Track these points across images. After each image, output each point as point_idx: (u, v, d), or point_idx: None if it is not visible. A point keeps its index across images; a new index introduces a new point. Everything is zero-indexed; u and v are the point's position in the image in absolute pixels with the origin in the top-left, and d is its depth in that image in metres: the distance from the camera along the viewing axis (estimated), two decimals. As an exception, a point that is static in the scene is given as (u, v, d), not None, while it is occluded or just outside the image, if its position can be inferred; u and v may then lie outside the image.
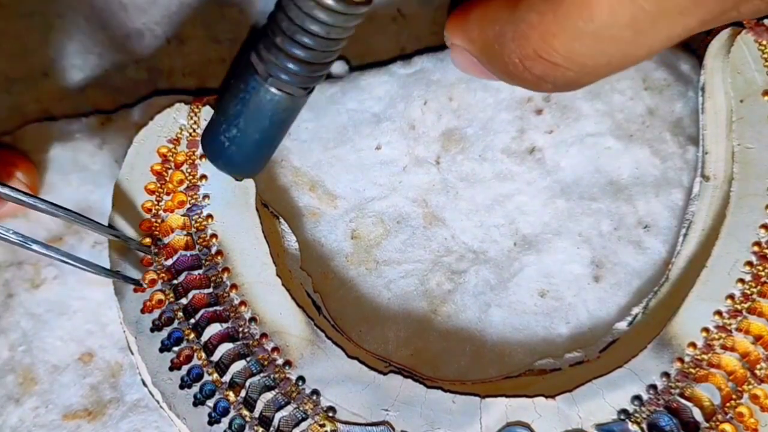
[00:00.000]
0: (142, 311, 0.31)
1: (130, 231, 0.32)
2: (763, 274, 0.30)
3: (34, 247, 0.28)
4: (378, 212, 0.34)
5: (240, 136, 0.27)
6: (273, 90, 0.26)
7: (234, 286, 0.31)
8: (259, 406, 0.31)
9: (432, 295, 0.34)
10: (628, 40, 0.23)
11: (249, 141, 0.27)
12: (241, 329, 0.31)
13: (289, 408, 0.31)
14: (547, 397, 0.30)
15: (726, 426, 0.30)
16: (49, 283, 0.34)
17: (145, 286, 0.31)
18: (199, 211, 0.32)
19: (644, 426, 0.30)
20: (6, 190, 0.27)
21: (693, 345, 0.30)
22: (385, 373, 0.31)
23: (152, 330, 0.31)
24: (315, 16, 0.25)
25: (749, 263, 0.31)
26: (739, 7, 0.24)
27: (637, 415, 0.30)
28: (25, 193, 0.27)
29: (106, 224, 0.32)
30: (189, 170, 0.32)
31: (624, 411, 0.30)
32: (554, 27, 0.24)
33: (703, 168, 0.33)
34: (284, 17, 0.25)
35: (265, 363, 0.31)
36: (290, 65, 0.26)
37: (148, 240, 0.32)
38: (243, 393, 0.31)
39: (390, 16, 0.35)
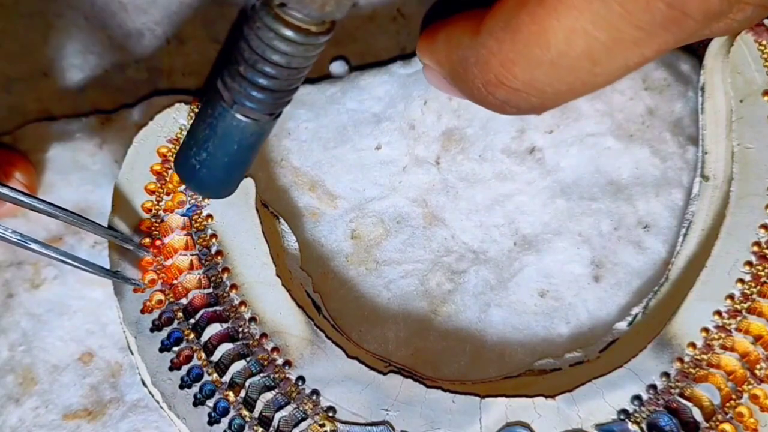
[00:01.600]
0: (142, 311, 0.31)
1: (130, 231, 0.32)
2: (762, 274, 0.30)
3: (33, 246, 0.28)
4: (378, 212, 0.34)
5: (209, 159, 0.27)
6: (239, 116, 0.26)
7: (234, 286, 0.31)
8: (259, 406, 0.31)
9: (432, 295, 0.34)
10: (586, 69, 0.24)
11: (219, 164, 0.27)
12: (241, 329, 0.31)
13: (289, 408, 0.31)
14: (547, 397, 0.30)
15: (726, 426, 0.30)
16: (49, 283, 0.34)
17: (144, 286, 0.31)
18: (198, 211, 0.32)
19: (644, 426, 0.30)
20: (5, 190, 0.27)
21: (693, 345, 0.30)
22: (385, 373, 0.31)
23: (152, 330, 0.31)
24: (275, 46, 0.25)
25: (749, 263, 0.31)
26: (703, 30, 0.24)
27: (636, 415, 0.30)
28: (24, 193, 0.27)
29: (106, 224, 0.32)
30: (189, 170, 0.32)
31: (624, 411, 0.30)
32: (512, 54, 0.24)
33: (703, 168, 0.33)
34: (246, 47, 0.25)
35: (265, 363, 0.31)
36: (254, 93, 0.26)
37: (147, 240, 0.32)
38: (243, 393, 0.31)
39: (390, 16, 0.35)
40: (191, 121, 0.28)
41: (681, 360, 0.30)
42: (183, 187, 0.32)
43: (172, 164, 0.32)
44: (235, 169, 0.28)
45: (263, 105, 0.26)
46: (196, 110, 0.32)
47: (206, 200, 0.32)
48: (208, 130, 0.27)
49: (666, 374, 0.30)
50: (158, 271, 0.32)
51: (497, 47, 0.24)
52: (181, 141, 0.32)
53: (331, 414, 0.30)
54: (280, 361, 0.31)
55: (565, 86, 0.24)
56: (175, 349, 0.31)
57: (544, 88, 0.24)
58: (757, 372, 0.30)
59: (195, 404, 0.31)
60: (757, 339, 0.30)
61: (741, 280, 0.30)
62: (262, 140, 0.28)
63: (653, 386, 0.30)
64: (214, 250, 0.32)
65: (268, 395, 0.31)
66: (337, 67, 0.35)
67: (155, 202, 0.32)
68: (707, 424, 0.30)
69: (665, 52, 0.24)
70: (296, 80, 0.26)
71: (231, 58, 0.26)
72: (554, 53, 0.23)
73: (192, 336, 0.31)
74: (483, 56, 0.25)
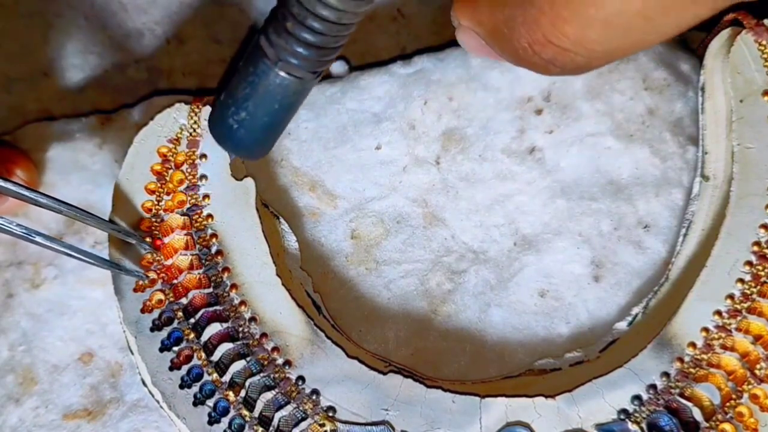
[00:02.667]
0: (142, 311, 0.31)
1: (130, 230, 0.32)
2: (762, 274, 0.30)
3: (38, 239, 0.28)
4: (378, 212, 0.34)
5: (248, 119, 0.27)
6: (282, 74, 0.26)
7: (234, 285, 0.31)
8: (259, 405, 0.31)
9: (432, 295, 0.34)
10: (639, 27, 0.23)
11: (258, 124, 0.27)
12: (241, 329, 0.31)
13: (289, 408, 0.31)
14: (547, 397, 0.30)
15: (726, 426, 0.30)
16: (49, 283, 0.34)
17: (145, 278, 0.31)
18: (199, 211, 0.32)
19: (644, 426, 0.30)
20: (8, 185, 0.27)
21: (693, 345, 0.30)
22: (384, 373, 0.31)
23: (152, 330, 0.31)
24: (326, 1, 0.24)
25: (749, 263, 0.31)
26: None
27: (637, 414, 0.30)
28: (27, 188, 0.27)
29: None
30: (189, 170, 0.32)
31: (624, 411, 0.30)
32: (565, 13, 0.24)
33: (703, 168, 0.33)
34: (295, 2, 0.25)
35: (265, 363, 0.31)
36: (300, 50, 0.25)
37: (148, 240, 0.32)
38: (243, 393, 0.31)
39: (390, 16, 0.35)
40: (228, 83, 0.27)
41: (681, 360, 0.30)
42: (183, 186, 0.32)
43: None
44: (274, 130, 0.28)
45: (308, 62, 0.26)
46: (197, 110, 0.32)
47: (206, 200, 0.32)
48: (249, 89, 0.26)
49: (666, 374, 0.30)
50: (158, 271, 0.32)
51: (548, 6, 0.24)
52: (182, 139, 0.32)
53: (331, 414, 0.30)
54: (280, 361, 0.31)
55: (615, 45, 0.24)
56: (175, 348, 0.31)
57: (594, 47, 0.24)
58: (757, 372, 0.30)
59: (195, 404, 0.31)
60: (757, 339, 0.30)
61: (741, 280, 0.30)
62: (302, 100, 0.27)
63: (653, 386, 0.30)
64: (214, 249, 0.32)
65: (268, 395, 0.31)
66: (337, 67, 0.35)
67: (155, 202, 0.32)
68: (707, 424, 0.30)
69: (717, 11, 0.24)
70: (343, 37, 0.26)
71: (276, 16, 0.26)
72: (609, 12, 0.23)
73: (192, 336, 0.31)
74: (532, 15, 0.24)
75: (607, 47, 0.24)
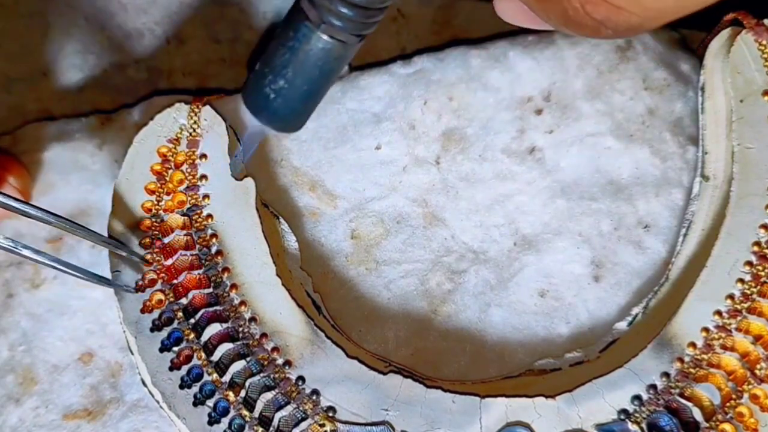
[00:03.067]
0: (142, 311, 0.31)
1: (129, 231, 0.32)
2: (762, 274, 0.30)
3: (24, 252, 0.27)
4: (378, 212, 0.34)
5: (287, 87, 0.25)
6: (325, 37, 0.25)
7: (234, 286, 0.31)
8: (259, 406, 0.31)
9: (432, 295, 0.34)
10: None
11: (296, 93, 0.26)
12: (240, 329, 0.31)
13: (289, 408, 0.31)
14: (547, 397, 0.30)
15: (726, 426, 0.29)
16: (49, 283, 0.34)
17: (133, 291, 0.31)
18: (199, 211, 0.32)
19: (644, 426, 0.30)
20: None
21: (693, 345, 0.30)
22: (384, 373, 0.31)
23: (152, 330, 0.31)
24: None
25: (749, 263, 0.31)
26: None
27: (637, 415, 0.30)
28: (16, 199, 0.27)
29: (106, 224, 0.32)
30: (189, 170, 0.32)
31: (624, 411, 0.30)
32: None
33: (703, 168, 0.33)
34: None
35: (265, 363, 0.31)
36: (344, 10, 0.24)
37: (147, 240, 0.32)
38: (243, 393, 0.31)
39: (390, 16, 0.35)
40: (265, 51, 0.26)
41: (681, 360, 0.30)
42: (183, 186, 0.32)
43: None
44: (312, 99, 0.27)
45: (353, 24, 0.25)
46: (197, 110, 0.32)
47: (206, 200, 0.32)
48: (289, 54, 0.25)
49: (666, 374, 0.30)
50: (158, 271, 0.32)
51: None
52: (182, 139, 0.32)
53: (331, 414, 0.30)
54: (280, 361, 0.31)
55: (672, 3, 0.23)
56: (175, 349, 0.31)
57: (651, 5, 0.23)
58: (757, 372, 0.30)
59: (195, 404, 0.31)
60: (757, 339, 0.30)
61: (741, 280, 0.30)
62: (342, 67, 0.26)
63: (653, 386, 0.30)
64: (214, 249, 0.32)
65: (268, 395, 0.31)
66: (337, 67, 0.35)
67: (155, 202, 0.32)
68: (707, 424, 0.30)
69: None
70: None
71: None
72: None
73: (192, 336, 0.31)
74: None
75: (662, 5, 0.23)
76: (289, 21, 0.25)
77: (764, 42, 0.31)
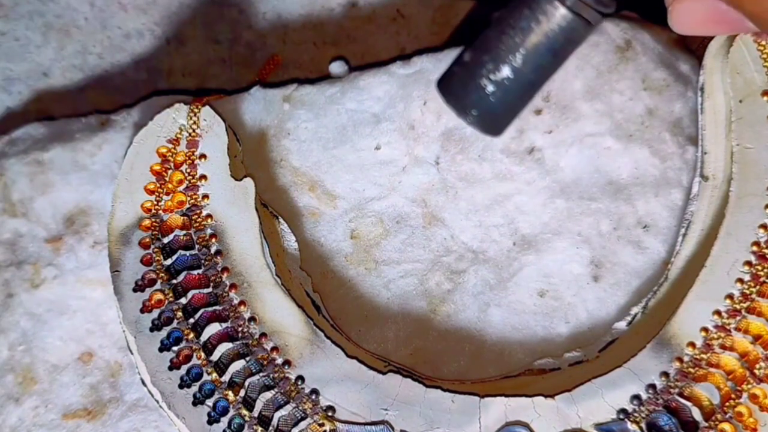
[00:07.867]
0: (142, 311, 0.31)
1: (129, 231, 0.32)
2: (762, 273, 0.30)
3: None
4: (377, 212, 0.34)
5: (512, 77, 0.22)
6: (570, 15, 0.21)
7: (233, 285, 0.31)
8: (259, 405, 0.31)
9: (431, 294, 0.34)
10: None
11: (520, 83, 0.22)
12: (240, 329, 0.31)
13: (289, 407, 0.31)
14: (546, 396, 0.30)
15: (725, 425, 0.30)
16: (49, 283, 0.34)
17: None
18: (198, 211, 0.32)
19: (643, 425, 0.30)
20: None
21: (692, 344, 0.30)
22: (384, 373, 0.31)
23: (152, 330, 0.31)
24: None
25: (748, 263, 0.31)
26: None
27: (636, 414, 0.30)
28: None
29: (105, 224, 0.32)
30: (188, 170, 0.32)
31: (623, 410, 0.30)
32: None
33: (702, 168, 0.33)
34: None
35: (265, 362, 0.31)
36: None
37: (147, 240, 0.32)
38: (242, 392, 0.31)
39: (390, 16, 0.35)
40: (484, 36, 0.21)
41: (680, 359, 0.30)
42: (183, 187, 0.32)
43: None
44: (531, 94, 0.23)
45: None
46: (196, 110, 0.32)
47: (206, 200, 0.32)
48: (520, 36, 0.21)
49: (665, 374, 0.30)
50: (158, 271, 0.32)
51: None
52: (182, 139, 0.32)
53: (330, 413, 0.30)
54: (279, 361, 0.31)
55: None
56: (175, 348, 0.31)
57: None
58: (756, 371, 0.30)
59: (194, 404, 0.31)
60: (756, 338, 0.30)
61: (740, 280, 0.30)
62: (570, 54, 0.22)
63: (652, 386, 0.30)
64: (213, 249, 0.32)
65: (268, 395, 0.31)
66: (337, 67, 0.35)
67: (155, 202, 0.32)
68: (707, 424, 0.30)
69: None
70: None
71: None
72: None
73: (192, 335, 0.31)
74: None
75: None
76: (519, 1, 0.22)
77: (763, 42, 0.31)
